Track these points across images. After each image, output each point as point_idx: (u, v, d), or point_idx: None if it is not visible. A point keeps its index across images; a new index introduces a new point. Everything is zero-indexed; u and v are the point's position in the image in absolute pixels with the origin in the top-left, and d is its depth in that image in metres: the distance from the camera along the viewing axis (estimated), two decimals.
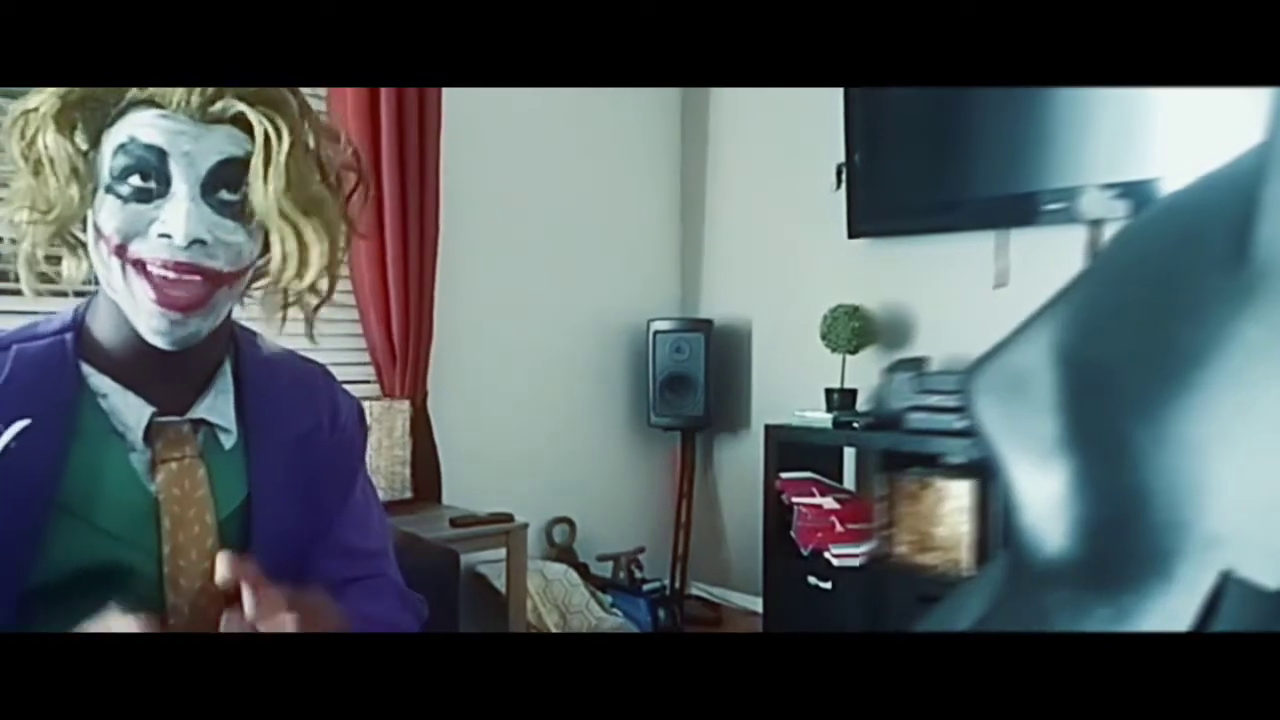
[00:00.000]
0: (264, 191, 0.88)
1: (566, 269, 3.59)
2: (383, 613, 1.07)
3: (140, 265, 0.86)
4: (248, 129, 0.88)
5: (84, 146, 0.87)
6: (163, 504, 0.94)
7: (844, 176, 3.34)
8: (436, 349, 3.08)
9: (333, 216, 0.93)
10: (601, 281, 3.73)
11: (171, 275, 0.86)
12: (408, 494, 2.93)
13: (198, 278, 0.87)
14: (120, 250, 0.87)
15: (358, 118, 2.85)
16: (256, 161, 0.87)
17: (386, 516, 1.18)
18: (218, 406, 0.99)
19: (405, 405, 2.95)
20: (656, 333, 3.63)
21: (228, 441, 0.99)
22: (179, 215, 0.85)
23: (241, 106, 0.86)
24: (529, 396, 3.49)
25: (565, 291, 3.59)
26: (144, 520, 0.93)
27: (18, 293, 0.92)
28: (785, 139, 3.63)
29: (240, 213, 0.89)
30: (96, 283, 0.93)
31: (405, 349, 2.99)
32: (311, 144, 0.94)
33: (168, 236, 0.85)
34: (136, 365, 0.94)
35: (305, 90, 0.94)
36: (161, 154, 0.85)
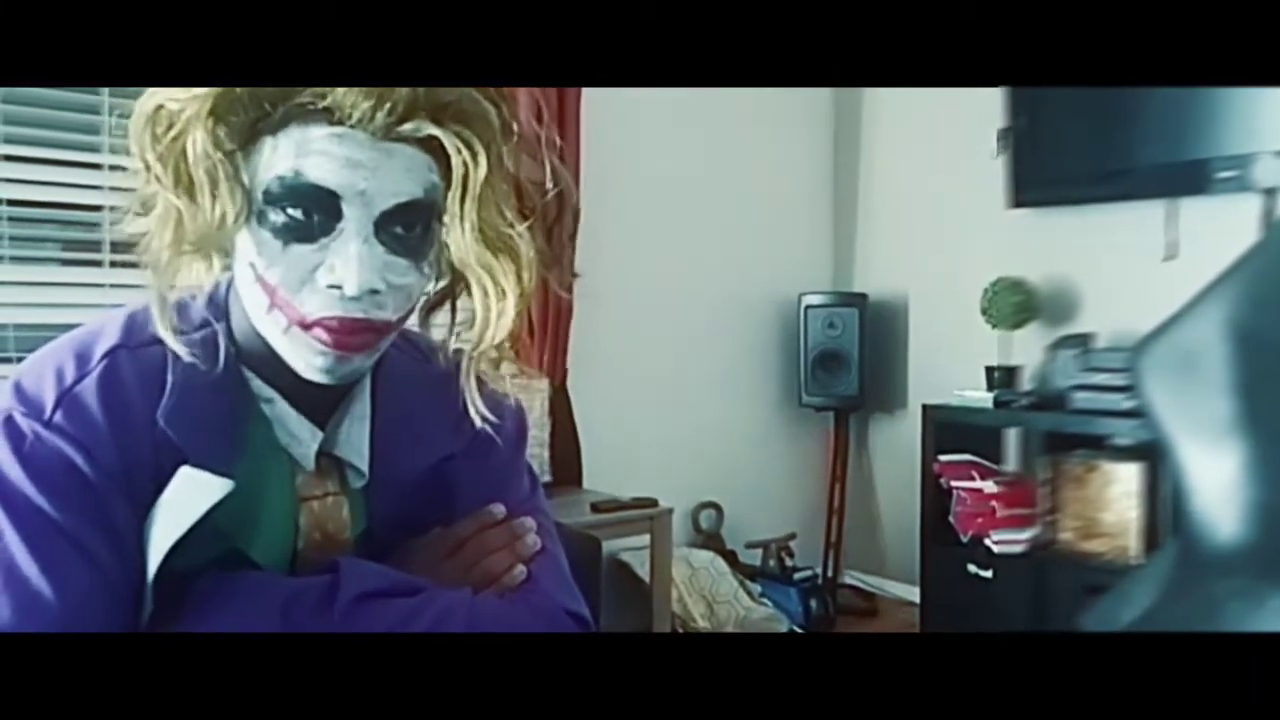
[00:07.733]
0: (461, 234, 0.78)
1: (713, 240, 3.55)
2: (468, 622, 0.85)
3: (303, 323, 0.76)
4: (434, 150, 0.76)
5: (230, 148, 0.74)
6: (302, 553, 0.86)
7: (1006, 143, 3.24)
8: (577, 325, 3.06)
9: (528, 258, 0.80)
10: (750, 253, 3.67)
11: (336, 327, 0.76)
12: (546, 477, 2.86)
13: (367, 333, 0.77)
14: (274, 294, 0.76)
15: None
16: (453, 201, 0.77)
17: (546, 516, 0.99)
18: (353, 439, 0.87)
19: (544, 384, 2.88)
20: (808, 307, 3.58)
21: (357, 481, 0.88)
22: (350, 262, 0.74)
23: (434, 130, 0.74)
24: (674, 374, 3.47)
25: (712, 264, 3.55)
26: (290, 559, 0.86)
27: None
28: (943, 103, 3.52)
29: (414, 249, 0.78)
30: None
31: (544, 325, 2.94)
32: (512, 166, 0.81)
33: (337, 288, 0.74)
34: (282, 371, 0.81)
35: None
36: (332, 192, 0.74)
